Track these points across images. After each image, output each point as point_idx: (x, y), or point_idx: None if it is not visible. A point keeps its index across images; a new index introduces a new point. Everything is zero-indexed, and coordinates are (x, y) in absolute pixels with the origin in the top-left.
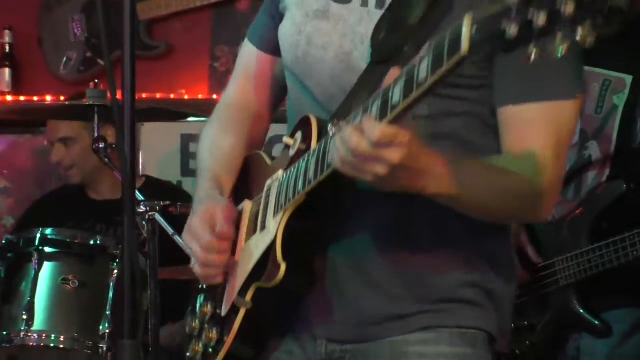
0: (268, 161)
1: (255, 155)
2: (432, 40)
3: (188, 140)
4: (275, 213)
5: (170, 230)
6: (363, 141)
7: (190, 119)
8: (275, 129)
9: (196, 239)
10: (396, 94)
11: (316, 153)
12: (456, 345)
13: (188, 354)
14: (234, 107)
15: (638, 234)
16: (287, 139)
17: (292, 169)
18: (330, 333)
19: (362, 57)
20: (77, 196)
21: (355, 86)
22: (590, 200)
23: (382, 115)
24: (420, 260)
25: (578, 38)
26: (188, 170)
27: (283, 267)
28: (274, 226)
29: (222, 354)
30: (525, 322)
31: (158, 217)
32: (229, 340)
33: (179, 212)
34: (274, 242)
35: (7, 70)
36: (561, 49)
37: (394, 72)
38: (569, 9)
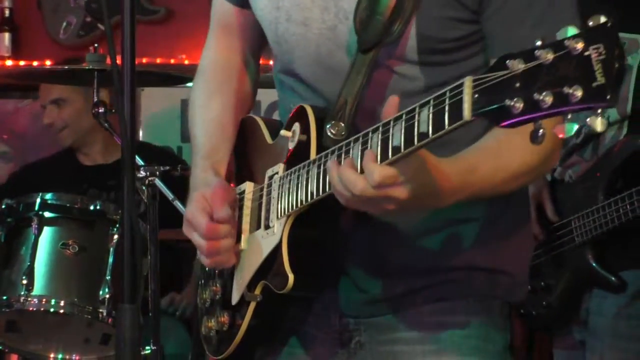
0: (267, 137)
1: (253, 122)
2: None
3: (188, 105)
4: (279, 215)
5: (170, 195)
6: (368, 187)
7: (191, 84)
8: (275, 95)
9: (194, 229)
10: (396, 137)
11: (317, 165)
12: (472, 314)
13: (202, 331)
14: (216, 66)
15: None
16: (284, 132)
17: (294, 173)
18: (343, 310)
19: (347, 32)
20: (67, 162)
21: (347, 76)
22: (607, 157)
23: (383, 156)
24: (429, 235)
25: (588, 121)
26: (188, 136)
27: (291, 278)
28: (279, 230)
29: (237, 341)
30: (542, 283)
31: (158, 182)
32: (242, 328)
33: (180, 174)
34: (279, 248)
35: (6, 35)
36: (572, 128)
37: (393, 101)
38: (577, 94)
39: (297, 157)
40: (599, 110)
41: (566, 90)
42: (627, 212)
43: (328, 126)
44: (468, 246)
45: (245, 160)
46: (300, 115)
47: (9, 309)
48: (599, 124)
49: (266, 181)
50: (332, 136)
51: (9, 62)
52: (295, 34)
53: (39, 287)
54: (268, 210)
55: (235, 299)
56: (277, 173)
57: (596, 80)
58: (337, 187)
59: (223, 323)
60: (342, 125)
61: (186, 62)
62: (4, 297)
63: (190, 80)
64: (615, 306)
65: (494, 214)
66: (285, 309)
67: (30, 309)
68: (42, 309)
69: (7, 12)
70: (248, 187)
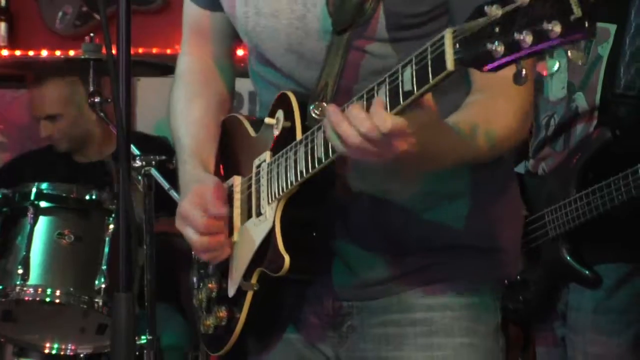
0: (251, 131)
1: (235, 120)
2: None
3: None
4: (270, 200)
5: (165, 185)
6: (376, 130)
7: None
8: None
9: (189, 224)
10: (381, 97)
11: (305, 144)
12: (463, 295)
13: (201, 331)
14: (194, 70)
15: (623, 178)
16: (268, 119)
17: (281, 157)
18: (335, 294)
19: (316, 19)
20: (63, 158)
21: (325, 59)
22: (578, 149)
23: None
24: (420, 218)
25: (570, 55)
26: None
27: (287, 259)
28: (271, 214)
29: (236, 333)
30: (518, 277)
31: (154, 171)
32: (241, 320)
33: (175, 167)
34: (273, 232)
35: (2, 24)
36: (553, 65)
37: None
38: (556, 29)
39: (283, 143)
40: (580, 44)
41: (545, 26)
42: (597, 205)
43: (311, 107)
44: (458, 223)
45: (230, 156)
46: (282, 102)
47: (4, 299)
48: (579, 57)
49: (254, 170)
50: (316, 117)
51: (5, 52)
52: (266, 27)
53: (34, 276)
54: (258, 198)
55: (231, 291)
56: (264, 161)
57: (573, 13)
58: (341, 128)
59: (221, 318)
60: (325, 105)
61: None
62: (0, 287)
63: None
64: (593, 301)
65: (480, 188)
66: (281, 296)
67: (26, 298)
68: (38, 299)
69: (3, 2)
70: (235, 180)
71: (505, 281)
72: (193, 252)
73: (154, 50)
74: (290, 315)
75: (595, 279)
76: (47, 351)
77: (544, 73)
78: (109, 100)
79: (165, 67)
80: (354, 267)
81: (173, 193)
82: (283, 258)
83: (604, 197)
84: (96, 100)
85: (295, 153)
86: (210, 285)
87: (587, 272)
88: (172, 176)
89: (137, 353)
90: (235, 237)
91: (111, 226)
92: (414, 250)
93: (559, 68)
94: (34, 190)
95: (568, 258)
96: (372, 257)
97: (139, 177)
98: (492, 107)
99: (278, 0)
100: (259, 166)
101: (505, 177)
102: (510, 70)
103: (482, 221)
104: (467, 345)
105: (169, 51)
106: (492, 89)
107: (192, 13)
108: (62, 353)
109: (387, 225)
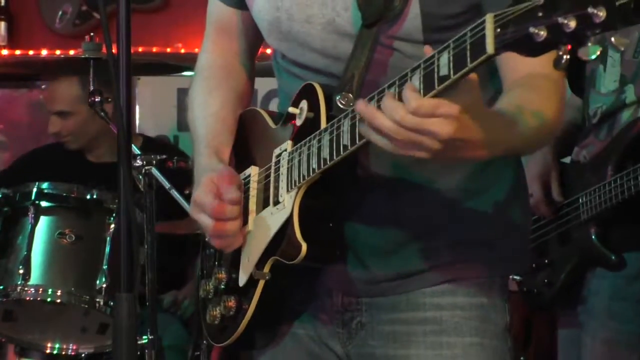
0: (271, 123)
1: (254, 113)
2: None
3: (184, 94)
4: (289, 189)
5: (166, 185)
6: (407, 114)
7: (187, 72)
8: (272, 84)
9: (203, 210)
10: (415, 83)
11: (329, 132)
12: (472, 295)
13: (207, 320)
14: (214, 66)
15: None
16: (292, 109)
17: (304, 145)
18: (345, 289)
19: (347, 22)
20: (75, 157)
21: (352, 52)
22: (619, 136)
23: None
24: (431, 216)
25: (613, 41)
26: (184, 125)
27: (304, 247)
28: (289, 203)
29: (244, 324)
30: (546, 260)
31: (154, 171)
32: (250, 310)
33: (176, 167)
34: (290, 220)
35: (2, 24)
36: (595, 51)
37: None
38: (600, 14)
39: (306, 132)
40: (625, 30)
41: (590, 11)
42: (630, 187)
43: (338, 97)
44: (471, 222)
45: (248, 148)
46: (306, 93)
47: (6, 299)
48: (622, 43)
49: (273, 160)
50: (342, 107)
51: (4, 52)
52: (300, 32)
53: (35, 276)
54: (277, 187)
55: (242, 280)
56: (285, 150)
57: None
58: (378, 121)
59: (230, 308)
60: (351, 96)
61: (182, 50)
62: (1, 287)
63: (187, 68)
64: (612, 287)
65: (495, 188)
66: (291, 289)
67: (27, 298)
68: (39, 299)
69: (2, 1)
70: (253, 170)
71: (533, 265)
72: (203, 242)
73: (154, 49)
74: (299, 310)
75: (619, 263)
76: (48, 351)
77: (584, 58)
78: (109, 99)
79: (165, 66)
80: (365, 260)
81: (174, 192)
82: (300, 246)
83: (637, 178)
84: (96, 99)
85: (319, 141)
86: (219, 275)
87: (611, 254)
88: (172, 175)
89: (138, 353)
90: (250, 226)
91: (112, 225)
92: (425, 247)
93: (598, 56)
94: (34, 189)
95: (594, 239)
96: (384, 251)
97: (140, 177)
98: (529, 103)
99: (310, 6)
100: (279, 155)
101: (517, 179)
102: (543, 68)
103: (495, 221)
104: (476, 345)
105: (169, 50)
106: (523, 87)
107: (218, 11)
108: (63, 353)
109: (400, 220)
